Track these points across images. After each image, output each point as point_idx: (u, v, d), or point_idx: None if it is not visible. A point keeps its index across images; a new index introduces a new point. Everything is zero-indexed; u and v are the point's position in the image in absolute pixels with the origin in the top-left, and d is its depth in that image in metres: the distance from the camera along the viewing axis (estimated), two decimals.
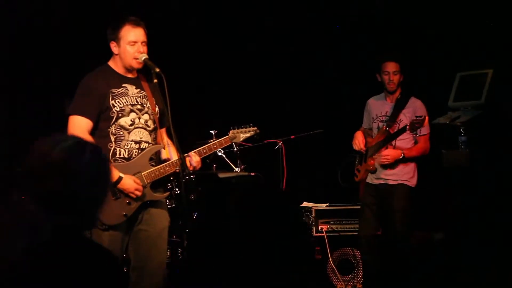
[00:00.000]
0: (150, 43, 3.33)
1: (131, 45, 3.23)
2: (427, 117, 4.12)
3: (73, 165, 1.71)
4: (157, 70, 3.17)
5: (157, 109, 3.35)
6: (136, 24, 3.24)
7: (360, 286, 4.77)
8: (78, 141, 1.82)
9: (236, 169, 4.76)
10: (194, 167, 3.33)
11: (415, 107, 4.36)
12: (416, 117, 4.09)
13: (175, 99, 3.15)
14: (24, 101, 5.07)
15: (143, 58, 3.25)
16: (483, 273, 4.69)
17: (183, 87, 5.21)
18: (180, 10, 5.70)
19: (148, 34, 3.32)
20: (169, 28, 5.51)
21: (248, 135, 3.51)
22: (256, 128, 3.51)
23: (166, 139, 3.42)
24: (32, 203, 1.73)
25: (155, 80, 3.17)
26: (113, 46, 3.26)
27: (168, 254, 4.50)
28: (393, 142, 4.34)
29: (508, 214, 4.69)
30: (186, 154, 3.29)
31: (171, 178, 4.50)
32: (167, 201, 4.70)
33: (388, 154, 4.29)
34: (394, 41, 5.44)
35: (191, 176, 4.57)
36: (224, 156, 4.71)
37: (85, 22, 5.02)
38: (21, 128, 4.92)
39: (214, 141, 3.45)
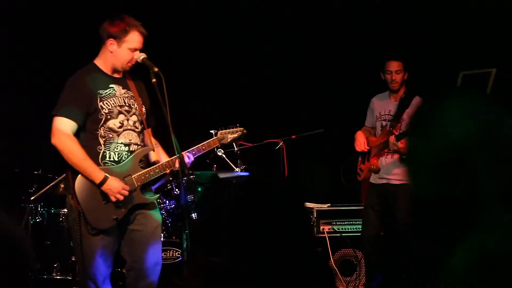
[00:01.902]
0: (149, 42, 3.30)
1: (132, 51, 3.20)
2: None
3: None
4: (156, 69, 3.13)
5: (144, 109, 3.31)
6: (143, 33, 3.22)
7: (362, 287, 4.74)
8: None
9: (237, 170, 4.73)
10: (189, 162, 3.31)
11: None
12: None
13: (174, 98, 3.11)
14: (24, 100, 5.06)
15: (141, 58, 3.21)
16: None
17: (182, 87, 5.18)
18: (180, 8, 5.67)
19: (147, 34, 3.29)
20: (168, 27, 5.48)
21: (236, 135, 3.48)
22: (242, 128, 3.50)
23: (153, 140, 3.39)
24: None
25: (154, 80, 3.13)
26: (110, 43, 3.19)
27: (172, 255, 4.48)
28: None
29: None
30: (184, 152, 3.25)
31: (171, 178, 4.48)
32: (167, 202, 4.68)
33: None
34: (397, 39, 5.40)
35: (191, 177, 4.54)
36: (224, 156, 4.68)
37: (85, 21, 4.99)
38: (21, 127, 4.90)
39: (203, 142, 3.42)
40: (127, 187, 3.13)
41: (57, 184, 4.54)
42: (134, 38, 3.19)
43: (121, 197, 3.11)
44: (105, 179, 3.07)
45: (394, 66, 4.32)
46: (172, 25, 5.61)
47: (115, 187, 3.09)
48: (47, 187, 4.59)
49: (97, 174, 3.08)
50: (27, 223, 4.59)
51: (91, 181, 3.09)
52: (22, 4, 5.03)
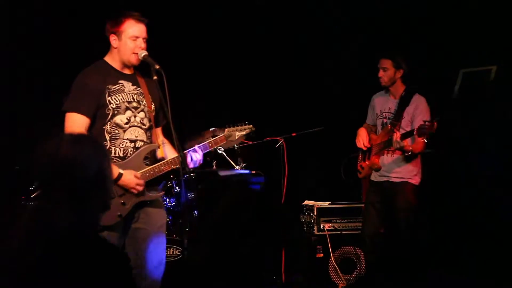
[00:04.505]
0: (150, 40, 3.29)
1: (132, 40, 3.19)
2: (436, 123, 3.97)
3: (79, 160, 1.76)
4: (157, 67, 3.12)
5: (153, 106, 3.31)
6: (139, 20, 3.21)
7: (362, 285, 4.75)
8: (78, 137, 1.85)
9: (237, 167, 4.73)
10: (198, 161, 3.26)
11: (417, 104, 4.32)
12: (425, 121, 3.98)
13: (175, 96, 3.11)
14: (24, 100, 5.06)
15: (142, 55, 3.20)
16: (482, 270, 4.68)
17: (184, 85, 5.18)
18: (181, 6, 5.67)
19: (148, 32, 3.28)
20: (170, 25, 5.48)
21: (244, 133, 3.38)
22: (251, 126, 3.39)
23: (161, 138, 3.37)
24: (46, 203, 1.78)
25: (155, 77, 3.13)
26: (113, 39, 3.21)
27: (173, 253, 4.48)
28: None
29: (508, 212, 4.67)
30: (190, 150, 3.24)
31: (171, 176, 4.48)
32: (168, 199, 4.68)
33: (408, 144, 4.20)
34: (396, 38, 5.41)
35: (191, 174, 4.54)
36: (224, 154, 4.68)
37: (85, 21, 5.00)
38: (22, 127, 4.90)
39: (209, 139, 3.38)
40: (142, 182, 3.14)
41: None
42: (131, 26, 3.19)
43: (140, 188, 3.13)
44: (120, 175, 3.08)
45: (381, 63, 4.38)
46: (174, 23, 5.61)
47: (131, 181, 3.10)
48: None
49: (113, 170, 3.07)
50: None
51: None
52: (22, 4, 5.03)
